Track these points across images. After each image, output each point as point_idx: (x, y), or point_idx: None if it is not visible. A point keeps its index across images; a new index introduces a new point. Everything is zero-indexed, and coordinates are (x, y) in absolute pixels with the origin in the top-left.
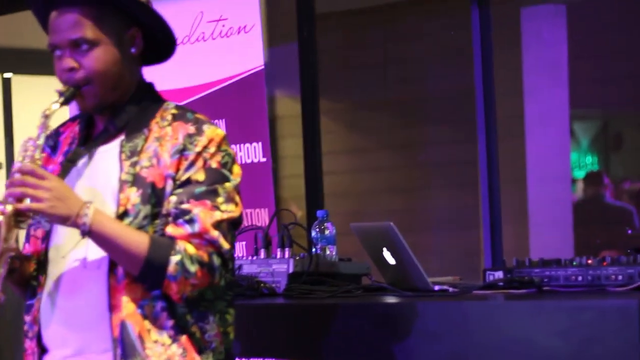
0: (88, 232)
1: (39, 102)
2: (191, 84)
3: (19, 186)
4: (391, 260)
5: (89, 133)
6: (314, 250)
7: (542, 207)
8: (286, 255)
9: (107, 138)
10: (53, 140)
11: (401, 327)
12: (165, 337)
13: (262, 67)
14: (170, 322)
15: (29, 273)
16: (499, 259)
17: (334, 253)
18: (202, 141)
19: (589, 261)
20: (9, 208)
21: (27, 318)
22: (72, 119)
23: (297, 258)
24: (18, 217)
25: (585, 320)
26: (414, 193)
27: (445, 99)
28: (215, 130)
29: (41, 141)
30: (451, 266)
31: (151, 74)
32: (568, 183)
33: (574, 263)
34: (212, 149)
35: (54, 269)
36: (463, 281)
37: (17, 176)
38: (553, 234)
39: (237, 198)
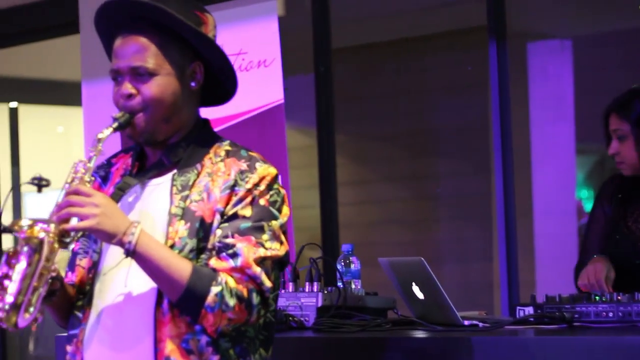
0: (132, 252)
1: (45, 131)
2: (212, 117)
3: (64, 207)
4: (420, 295)
5: (141, 166)
6: (339, 284)
7: (548, 241)
8: (315, 289)
9: (159, 171)
10: (104, 171)
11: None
12: None
13: (282, 100)
14: (215, 358)
15: (69, 301)
16: (516, 293)
17: (359, 287)
18: (253, 178)
19: (619, 297)
20: (52, 227)
21: (70, 348)
22: (125, 151)
23: (326, 292)
24: (62, 237)
25: (619, 356)
26: (423, 225)
27: (455, 132)
28: (267, 169)
29: (92, 164)
30: (463, 299)
31: None
32: (574, 217)
33: (604, 299)
34: (262, 187)
35: (100, 300)
36: (489, 316)
37: (65, 197)
38: (559, 268)
39: (283, 237)
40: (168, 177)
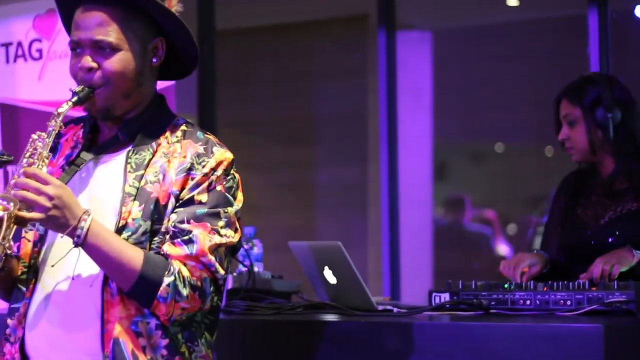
0: (81, 244)
1: None
2: None
3: (21, 189)
4: (332, 279)
5: (93, 138)
6: (240, 267)
7: (404, 231)
8: None
9: (114, 147)
10: (53, 142)
11: (357, 345)
12: (158, 356)
13: (173, 82)
14: (164, 341)
15: (12, 273)
16: (398, 280)
17: (261, 270)
18: (210, 163)
19: (540, 286)
20: (12, 205)
21: (11, 322)
22: (75, 122)
23: (235, 274)
24: (18, 217)
25: (536, 342)
26: (299, 213)
27: (333, 119)
28: (224, 153)
29: (50, 139)
30: None
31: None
32: (429, 208)
33: (522, 287)
34: (219, 172)
35: (46, 276)
36: (391, 301)
37: (22, 178)
38: (414, 258)
39: (238, 224)
40: (122, 154)
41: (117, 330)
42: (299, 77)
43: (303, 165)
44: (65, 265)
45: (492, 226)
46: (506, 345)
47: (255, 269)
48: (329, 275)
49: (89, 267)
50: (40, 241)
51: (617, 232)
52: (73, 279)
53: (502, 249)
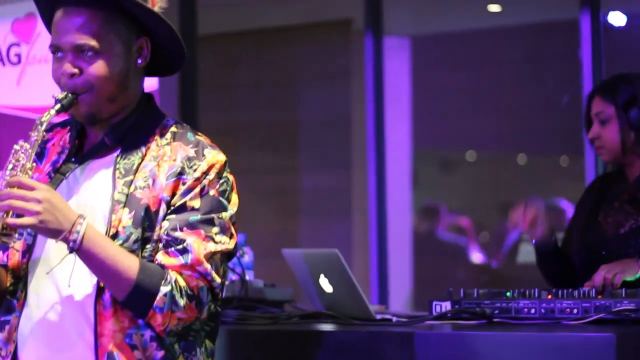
0: (77, 249)
1: None
2: None
3: (6, 199)
4: (328, 288)
5: (80, 143)
6: (231, 275)
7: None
8: None
9: (102, 152)
10: (39, 147)
11: (358, 356)
12: None
13: (156, 87)
14: (160, 354)
15: (4, 286)
16: (386, 287)
17: (252, 278)
18: (201, 166)
19: (544, 294)
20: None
21: (1, 335)
22: (62, 125)
23: (227, 283)
24: (3, 231)
25: (541, 353)
26: (282, 218)
27: (317, 125)
28: (216, 156)
29: (33, 151)
30: None
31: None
32: (409, 215)
33: (525, 295)
34: (211, 176)
35: (36, 287)
36: (390, 310)
37: (6, 190)
38: (393, 266)
39: (233, 229)
40: (110, 159)
41: (111, 344)
42: (282, 82)
43: (287, 171)
44: (57, 277)
45: (467, 234)
46: (513, 355)
47: (247, 277)
48: (325, 284)
49: (81, 279)
50: (28, 251)
51: (635, 243)
52: (64, 290)
53: (477, 257)
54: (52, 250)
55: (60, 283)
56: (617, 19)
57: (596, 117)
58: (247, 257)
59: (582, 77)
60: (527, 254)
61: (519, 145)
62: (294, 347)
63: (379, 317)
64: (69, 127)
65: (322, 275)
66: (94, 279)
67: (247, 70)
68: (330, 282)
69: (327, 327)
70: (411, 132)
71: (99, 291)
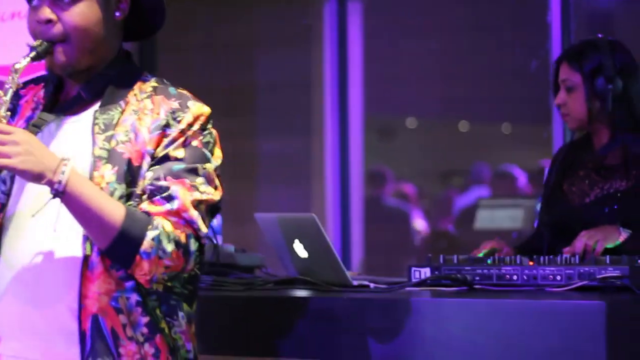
0: (61, 193)
1: None
2: None
3: None
4: (303, 253)
5: (56, 99)
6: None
7: (332, 203)
8: None
9: (78, 107)
10: (11, 103)
11: (339, 322)
12: (139, 335)
13: None
14: (145, 319)
15: None
16: (349, 252)
17: (221, 242)
18: (186, 118)
19: (525, 261)
20: None
21: None
22: (36, 81)
23: None
24: None
25: (525, 320)
26: (239, 184)
27: (275, 89)
28: (201, 108)
29: (8, 97)
30: None
31: None
32: (360, 182)
33: (506, 261)
34: (196, 127)
35: (12, 249)
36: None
37: None
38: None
39: (217, 181)
40: (88, 114)
41: (96, 306)
42: (239, 45)
43: (244, 136)
44: (35, 233)
45: (410, 200)
46: (497, 322)
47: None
48: (299, 249)
49: (66, 236)
50: (2, 210)
51: (603, 211)
52: (45, 249)
53: (419, 223)
54: (29, 205)
55: (41, 241)
56: None
57: (563, 84)
58: (216, 221)
59: (549, 44)
60: (484, 220)
61: (460, 113)
62: (272, 314)
63: (355, 283)
64: (42, 84)
65: (296, 240)
66: (81, 236)
67: (203, 32)
68: (305, 247)
69: (305, 293)
70: (363, 98)
71: (87, 249)
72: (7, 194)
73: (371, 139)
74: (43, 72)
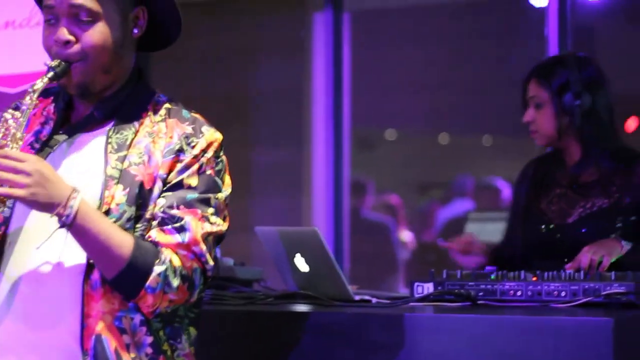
0: (69, 225)
1: None
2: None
3: None
4: (304, 267)
5: (67, 115)
6: None
7: (324, 214)
8: None
9: (91, 126)
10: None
11: (341, 338)
12: (143, 355)
13: None
14: (149, 339)
15: None
16: (342, 264)
17: (219, 256)
18: (200, 144)
19: (529, 276)
20: None
21: None
22: (44, 94)
23: None
24: None
25: (528, 336)
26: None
27: (269, 98)
28: (214, 134)
29: (25, 119)
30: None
31: None
32: (347, 192)
33: (510, 276)
34: (209, 154)
35: (14, 266)
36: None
37: None
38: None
39: (226, 212)
40: (102, 133)
41: (100, 326)
42: (235, 54)
43: (239, 144)
44: (42, 251)
45: (394, 212)
46: (502, 338)
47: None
48: (300, 263)
49: (68, 255)
50: (4, 224)
51: (587, 230)
52: (47, 267)
53: (405, 235)
54: (34, 223)
55: (45, 258)
56: None
57: (531, 101)
58: None
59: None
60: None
61: (440, 125)
62: (274, 328)
63: (357, 298)
64: (52, 98)
65: (298, 254)
66: (84, 257)
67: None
68: (306, 261)
69: (307, 308)
70: (350, 108)
71: (88, 270)
72: (11, 207)
73: (352, 150)
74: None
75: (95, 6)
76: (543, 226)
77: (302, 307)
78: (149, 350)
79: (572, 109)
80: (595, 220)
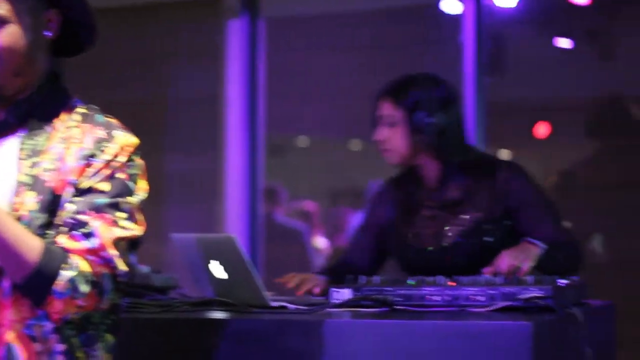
0: None
1: None
2: None
3: None
4: (222, 274)
5: None
6: None
7: (238, 221)
8: None
9: (4, 131)
10: None
11: (258, 345)
12: None
13: None
14: (60, 347)
15: None
16: (257, 266)
17: (135, 263)
18: (112, 148)
19: (447, 281)
20: None
21: None
22: None
23: None
24: None
25: (445, 341)
26: (147, 202)
27: (183, 105)
28: (128, 138)
29: None
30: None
31: None
32: (261, 199)
33: (428, 281)
34: (122, 158)
35: None
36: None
37: None
38: (245, 249)
39: (140, 216)
40: (14, 139)
41: (10, 335)
42: (149, 60)
43: (153, 151)
44: None
45: (305, 218)
46: (420, 343)
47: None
48: (218, 270)
49: None
50: None
51: (466, 247)
52: None
53: (320, 241)
54: None
55: None
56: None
57: (383, 120)
58: None
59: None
60: None
61: (352, 132)
62: (191, 336)
63: (274, 304)
64: None
65: (215, 262)
66: None
67: (108, 46)
68: (225, 268)
69: (224, 315)
70: (266, 114)
71: None
72: None
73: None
74: None
75: (5, 10)
76: (419, 250)
77: (219, 314)
78: (61, 358)
79: (425, 127)
80: (472, 235)
